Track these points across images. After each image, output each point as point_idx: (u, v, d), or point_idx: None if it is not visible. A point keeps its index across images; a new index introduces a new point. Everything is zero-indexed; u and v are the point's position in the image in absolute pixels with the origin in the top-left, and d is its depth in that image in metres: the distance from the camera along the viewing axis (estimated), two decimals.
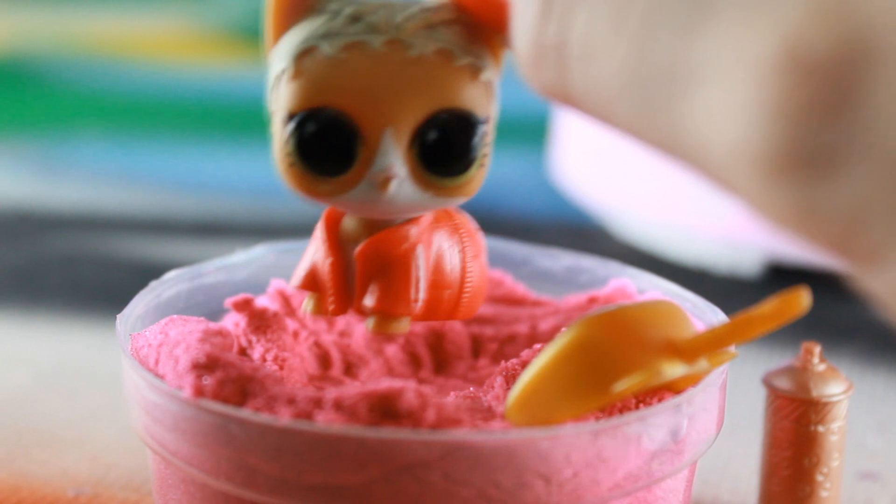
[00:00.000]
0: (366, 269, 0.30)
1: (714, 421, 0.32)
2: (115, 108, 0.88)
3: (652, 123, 0.22)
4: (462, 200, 0.30)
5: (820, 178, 0.19)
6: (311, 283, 0.31)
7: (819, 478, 0.37)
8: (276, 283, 0.37)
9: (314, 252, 0.32)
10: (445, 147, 0.29)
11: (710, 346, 0.30)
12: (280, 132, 0.29)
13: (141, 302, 0.36)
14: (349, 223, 0.31)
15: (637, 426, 0.30)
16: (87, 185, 0.72)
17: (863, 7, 0.19)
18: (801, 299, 0.28)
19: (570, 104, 0.24)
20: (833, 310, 0.54)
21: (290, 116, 0.29)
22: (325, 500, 0.29)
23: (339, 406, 0.29)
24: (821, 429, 0.37)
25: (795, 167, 0.19)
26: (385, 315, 0.30)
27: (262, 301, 0.36)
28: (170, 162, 0.77)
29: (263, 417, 0.29)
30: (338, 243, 0.31)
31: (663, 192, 0.60)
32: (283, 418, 0.29)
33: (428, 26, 0.29)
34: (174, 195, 0.71)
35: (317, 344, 0.36)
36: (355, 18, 0.29)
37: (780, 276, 0.58)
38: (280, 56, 0.29)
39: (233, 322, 0.35)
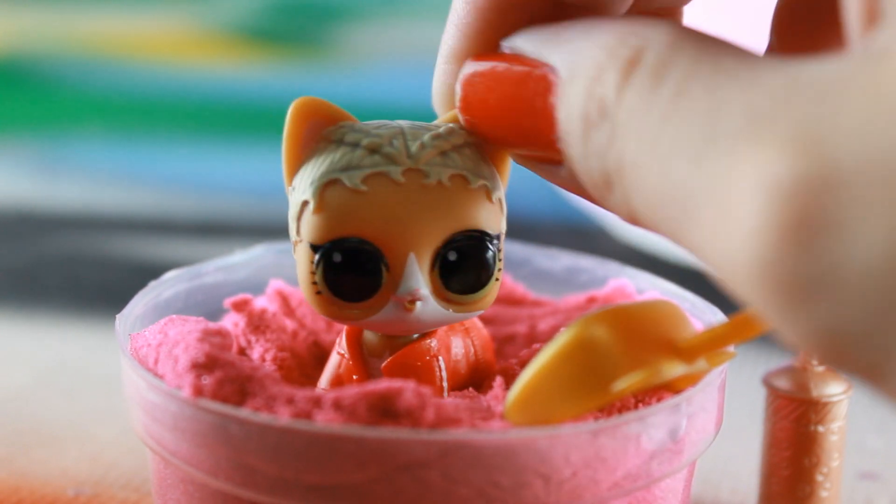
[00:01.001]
0: None
1: (713, 421, 0.32)
2: (115, 108, 0.88)
3: (680, 237, 0.24)
4: (480, 313, 0.32)
5: (806, 300, 0.21)
6: None
7: (819, 478, 0.37)
8: (274, 284, 0.37)
9: (336, 368, 0.33)
10: (465, 266, 0.31)
11: (709, 345, 0.30)
12: (305, 261, 0.31)
13: (140, 302, 0.36)
14: (370, 338, 0.32)
15: (636, 426, 0.30)
16: (87, 185, 0.72)
17: (830, 143, 0.21)
18: None
19: (635, 223, 0.26)
20: None
21: (316, 248, 0.30)
22: (325, 500, 0.29)
23: (338, 406, 0.29)
24: (821, 429, 0.37)
25: (785, 288, 0.21)
26: None
27: (261, 301, 0.36)
28: (170, 162, 0.77)
29: (262, 417, 0.29)
30: (363, 360, 0.32)
31: None
32: (283, 418, 0.29)
33: (441, 153, 0.31)
34: (174, 195, 0.71)
35: (315, 344, 0.36)
36: (373, 150, 0.30)
37: None
38: (302, 188, 0.31)
39: (232, 322, 0.35)
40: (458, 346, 0.33)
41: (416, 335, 0.32)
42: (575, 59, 0.26)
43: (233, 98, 0.90)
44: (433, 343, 0.32)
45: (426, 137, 0.31)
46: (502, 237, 0.31)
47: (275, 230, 0.64)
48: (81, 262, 0.61)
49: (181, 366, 0.31)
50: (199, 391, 0.30)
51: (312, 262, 0.31)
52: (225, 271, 0.39)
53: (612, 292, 0.38)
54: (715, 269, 0.23)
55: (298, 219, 0.31)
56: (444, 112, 0.32)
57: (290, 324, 0.36)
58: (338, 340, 0.33)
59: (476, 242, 0.31)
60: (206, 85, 0.93)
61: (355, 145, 0.31)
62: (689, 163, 0.23)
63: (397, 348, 0.32)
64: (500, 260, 0.31)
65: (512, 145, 0.30)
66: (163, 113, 0.87)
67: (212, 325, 0.34)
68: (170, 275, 0.38)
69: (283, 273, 0.38)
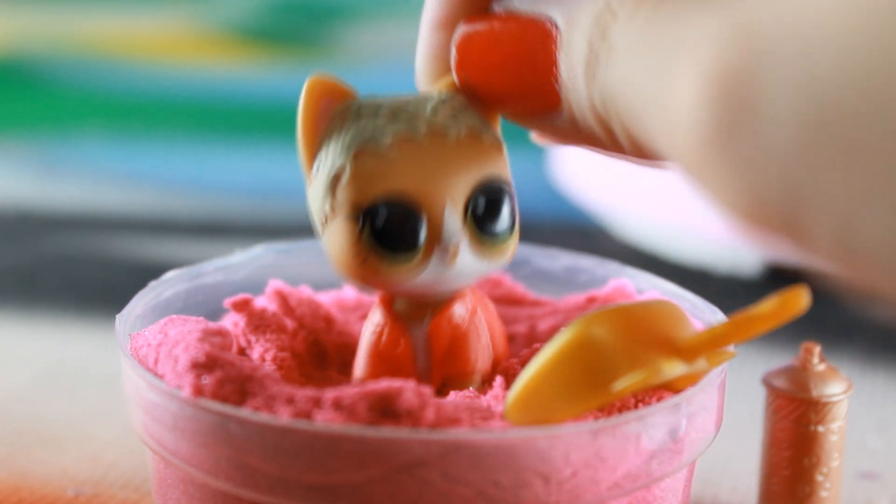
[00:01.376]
0: (440, 344, 0.33)
1: (713, 420, 0.32)
2: (115, 108, 0.88)
3: (646, 137, 0.27)
4: (504, 264, 0.33)
5: (734, 155, 0.24)
6: (380, 370, 0.33)
7: (819, 478, 0.37)
8: (273, 284, 0.37)
9: (375, 340, 0.33)
10: (494, 211, 0.32)
11: (709, 345, 0.30)
12: (345, 232, 0.32)
13: (140, 302, 0.36)
14: (401, 305, 0.33)
15: (636, 425, 0.30)
16: (87, 185, 0.72)
17: (749, 41, 0.24)
18: (801, 299, 0.28)
19: (638, 152, 0.29)
20: (833, 310, 0.54)
21: (358, 212, 0.31)
22: (325, 500, 0.29)
23: (338, 405, 0.29)
24: (821, 429, 0.37)
25: (718, 148, 0.24)
26: (465, 378, 0.33)
27: (261, 301, 0.36)
28: (170, 162, 0.77)
29: (262, 417, 0.29)
30: (404, 324, 0.33)
31: (663, 192, 0.60)
32: (283, 418, 0.29)
33: (453, 115, 0.32)
34: (174, 195, 0.71)
35: (316, 343, 0.36)
36: (394, 116, 0.32)
37: (780, 276, 0.58)
38: (331, 161, 0.32)
39: (232, 322, 0.35)
40: (483, 327, 0.34)
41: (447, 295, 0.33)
42: (573, 9, 0.29)
43: (233, 98, 0.90)
44: (468, 302, 0.33)
45: (434, 101, 0.32)
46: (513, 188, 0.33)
47: (275, 230, 0.64)
48: (81, 262, 0.61)
49: (181, 366, 0.31)
50: (199, 391, 0.30)
51: (356, 228, 0.31)
52: (225, 271, 0.39)
53: (612, 292, 0.38)
54: (667, 150, 0.26)
55: (332, 192, 0.32)
56: (431, 83, 0.33)
57: (290, 323, 0.36)
58: (367, 321, 0.33)
59: (498, 189, 0.32)
60: (206, 85, 0.93)
61: (375, 115, 0.32)
62: (650, 71, 0.26)
63: (435, 310, 0.33)
64: (516, 209, 0.33)
65: (509, 101, 0.32)
66: (163, 113, 0.87)
67: (212, 325, 0.34)
68: (170, 275, 0.38)
69: (283, 273, 0.38)
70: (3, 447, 0.43)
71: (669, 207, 0.60)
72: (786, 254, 0.25)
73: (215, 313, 0.37)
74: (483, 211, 0.32)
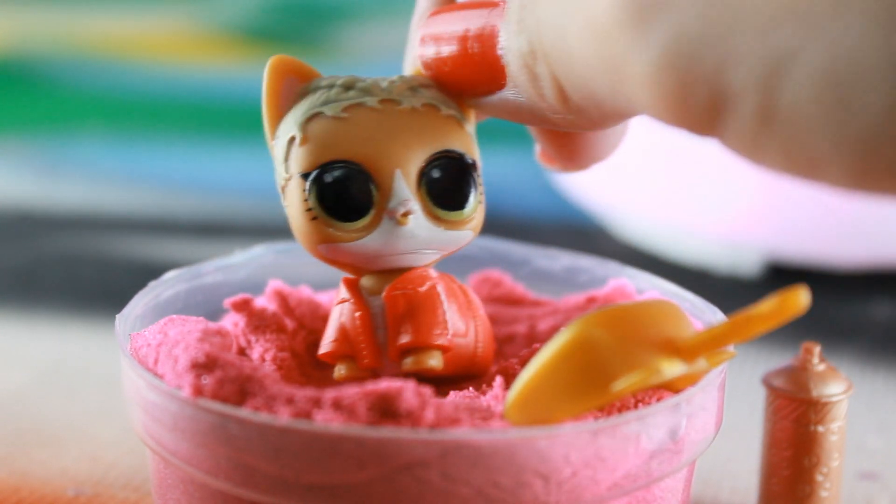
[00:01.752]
0: (395, 311, 0.32)
1: (713, 420, 0.32)
2: (115, 108, 0.88)
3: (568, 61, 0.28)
4: (469, 235, 0.33)
5: (650, 21, 0.24)
6: (343, 344, 0.33)
7: (819, 478, 0.37)
8: (273, 284, 0.37)
9: (339, 316, 0.33)
10: (447, 182, 0.33)
11: (708, 345, 0.30)
12: (297, 194, 0.32)
13: (140, 302, 0.36)
14: (367, 282, 0.33)
15: (636, 425, 0.30)
16: (87, 185, 0.72)
17: None
18: (800, 298, 0.28)
19: (565, 103, 0.29)
20: (833, 310, 0.54)
21: (307, 174, 0.32)
22: (324, 500, 0.29)
23: (337, 405, 0.29)
24: (820, 429, 0.37)
25: (631, 18, 0.25)
26: (421, 350, 0.32)
27: (261, 301, 0.36)
28: (170, 162, 0.77)
29: (262, 417, 0.29)
30: (363, 298, 0.33)
31: (663, 192, 0.60)
32: (282, 418, 0.29)
33: (410, 88, 0.33)
34: (174, 195, 0.71)
35: (315, 343, 0.36)
36: (348, 87, 0.33)
37: (780, 276, 0.58)
38: (285, 130, 0.33)
39: (232, 322, 0.35)
40: (459, 322, 0.33)
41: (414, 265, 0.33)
42: None
43: (233, 98, 0.90)
44: (431, 271, 0.33)
45: (394, 77, 0.33)
46: (479, 167, 0.33)
47: (275, 230, 0.64)
48: (81, 262, 0.61)
49: (181, 366, 0.31)
50: (198, 391, 0.30)
51: (305, 191, 0.32)
52: (224, 271, 0.39)
53: (612, 292, 0.38)
54: (587, 43, 0.26)
55: (286, 158, 0.32)
56: None
57: (289, 323, 0.36)
58: (335, 296, 0.34)
59: (455, 161, 0.33)
60: (206, 85, 0.93)
61: (331, 86, 0.33)
62: None
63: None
64: (480, 184, 0.33)
65: (464, 83, 0.32)
66: (163, 113, 0.87)
67: (212, 325, 0.34)
68: (170, 275, 0.38)
69: (282, 273, 0.38)
70: (3, 447, 0.43)
71: (669, 207, 0.60)
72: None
73: (215, 313, 0.37)
74: (436, 181, 0.32)
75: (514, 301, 0.39)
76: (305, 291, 0.37)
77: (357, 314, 0.33)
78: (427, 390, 0.29)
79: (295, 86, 0.33)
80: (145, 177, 0.74)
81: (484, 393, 0.32)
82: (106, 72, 0.96)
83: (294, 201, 0.32)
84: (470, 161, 0.33)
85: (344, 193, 0.32)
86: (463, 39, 0.32)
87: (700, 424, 0.32)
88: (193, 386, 0.30)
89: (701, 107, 0.24)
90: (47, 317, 0.54)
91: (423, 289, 0.32)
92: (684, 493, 0.33)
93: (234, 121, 0.85)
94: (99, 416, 0.45)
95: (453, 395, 0.32)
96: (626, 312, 0.29)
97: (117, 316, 0.35)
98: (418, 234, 0.32)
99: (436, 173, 0.32)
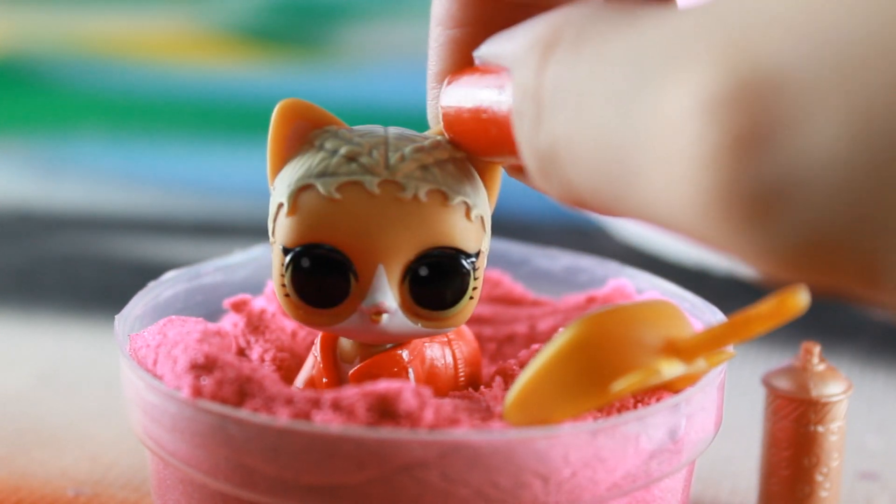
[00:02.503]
0: None
1: (712, 420, 0.32)
2: (115, 108, 0.88)
3: (625, 199, 0.23)
4: (451, 329, 0.32)
5: (767, 213, 0.20)
6: None
7: (819, 478, 0.37)
8: (272, 285, 0.37)
9: (310, 368, 0.33)
10: (435, 283, 0.30)
11: (708, 345, 0.30)
12: (277, 264, 0.31)
13: (139, 302, 0.36)
14: (345, 344, 0.32)
15: (635, 426, 0.30)
16: (87, 185, 0.72)
17: (761, 46, 0.20)
18: (800, 298, 0.28)
19: (581, 205, 0.26)
20: (833, 310, 0.54)
21: (287, 251, 0.30)
22: (324, 500, 0.29)
23: (337, 406, 0.29)
24: (820, 429, 0.37)
25: (742, 207, 0.20)
26: None
27: (260, 301, 0.36)
28: (170, 162, 0.77)
29: (261, 418, 0.29)
30: (334, 364, 0.32)
31: None
32: (282, 418, 0.29)
33: (422, 167, 0.30)
34: (174, 195, 0.71)
35: (314, 344, 0.36)
36: (350, 158, 0.30)
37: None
38: (279, 191, 0.31)
39: (231, 322, 0.35)
40: (438, 357, 0.33)
41: (389, 345, 0.32)
42: (513, 54, 0.27)
43: (233, 98, 0.90)
44: (404, 354, 0.32)
45: (408, 149, 0.30)
46: (482, 255, 0.31)
47: None
48: (81, 262, 0.61)
49: (180, 366, 0.31)
50: (198, 392, 0.30)
51: (283, 265, 0.31)
52: (224, 271, 0.39)
53: (612, 292, 0.38)
54: (666, 218, 0.22)
55: (274, 220, 0.31)
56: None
57: (289, 324, 0.36)
58: (315, 342, 0.33)
59: (448, 260, 0.30)
60: (206, 85, 0.93)
61: (334, 152, 0.30)
62: (619, 115, 0.22)
63: (368, 356, 0.32)
64: (476, 279, 0.31)
65: (493, 155, 0.30)
66: (163, 113, 0.87)
67: (211, 325, 0.34)
68: (169, 275, 0.38)
69: None
70: (3, 447, 0.43)
71: None
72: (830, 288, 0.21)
73: (215, 314, 0.37)
74: (422, 279, 0.30)
75: (513, 301, 0.39)
76: None
77: (324, 380, 0.32)
78: (426, 391, 0.29)
79: (304, 130, 0.31)
80: (145, 177, 0.74)
81: (483, 393, 0.32)
82: (106, 72, 0.96)
83: (274, 268, 0.31)
84: (468, 258, 0.31)
85: (320, 283, 0.30)
86: (478, 120, 0.29)
87: (699, 424, 0.32)
88: (192, 387, 0.30)
89: (852, 277, 0.20)
90: (47, 317, 0.54)
91: (388, 375, 0.31)
92: (684, 494, 0.33)
93: (234, 121, 0.85)
94: (99, 416, 0.45)
95: (452, 396, 0.32)
96: (626, 313, 0.29)
97: (116, 316, 0.35)
98: (392, 331, 0.31)
99: (423, 271, 0.30)
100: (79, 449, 0.43)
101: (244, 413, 0.29)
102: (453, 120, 0.30)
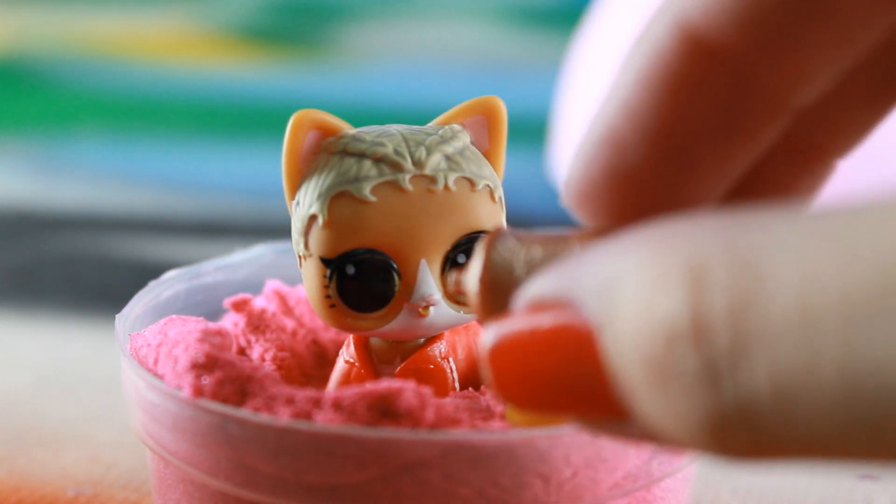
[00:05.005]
0: None
1: None
2: (115, 108, 0.88)
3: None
4: None
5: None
6: None
7: None
8: (271, 284, 0.37)
9: (344, 375, 0.32)
10: None
11: None
12: (317, 276, 0.31)
13: (140, 302, 0.36)
14: (378, 344, 0.32)
15: None
16: (87, 185, 0.72)
17: (748, 234, 0.19)
18: None
19: (776, 457, 0.20)
20: None
21: (329, 262, 0.31)
22: (324, 500, 0.29)
23: (337, 406, 0.29)
24: None
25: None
26: None
27: (261, 301, 0.36)
28: (170, 162, 0.77)
29: (262, 417, 0.29)
30: (374, 366, 0.32)
31: None
32: (282, 418, 0.29)
33: (446, 157, 0.31)
34: (174, 195, 0.71)
35: (315, 342, 0.36)
36: (378, 159, 0.31)
37: None
38: (308, 202, 0.31)
39: (232, 322, 0.35)
40: (462, 346, 0.33)
41: (422, 339, 0.32)
42: (608, 295, 0.20)
43: (233, 98, 0.90)
44: (442, 346, 0.32)
45: (429, 142, 0.31)
46: None
47: (275, 230, 0.64)
48: (81, 262, 0.61)
49: (181, 366, 0.31)
50: (198, 391, 0.30)
51: (325, 276, 0.31)
52: (225, 271, 0.39)
53: None
54: None
55: (306, 233, 0.31)
56: (581, 209, 0.25)
57: (289, 323, 0.36)
58: (343, 348, 0.33)
59: None
60: (206, 85, 0.93)
61: (361, 156, 0.31)
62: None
63: (407, 353, 0.32)
64: None
65: (567, 415, 0.22)
66: (163, 113, 0.87)
67: (212, 325, 0.34)
68: (170, 275, 0.37)
69: (282, 273, 0.38)
70: (3, 447, 0.43)
71: None
72: None
73: (215, 313, 0.37)
74: (462, 266, 0.30)
75: None
76: (304, 290, 0.37)
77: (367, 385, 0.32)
78: (427, 390, 0.29)
79: (318, 140, 0.31)
80: (145, 177, 0.74)
81: (484, 393, 0.32)
82: (106, 72, 0.96)
83: (312, 281, 0.31)
84: None
85: (366, 286, 0.31)
86: (555, 371, 0.21)
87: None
88: (193, 386, 0.30)
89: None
90: (47, 317, 0.54)
91: (434, 366, 0.32)
92: (684, 494, 0.33)
93: (234, 121, 0.85)
94: (99, 416, 0.45)
95: (453, 396, 0.32)
96: None
97: (117, 316, 0.35)
98: (438, 322, 0.31)
99: (461, 259, 0.31)
100: (79, 449, 0.43)
101: (245, 413, 0.29)
102: (513, 382, 0.22)
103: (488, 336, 0.22)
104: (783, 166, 0.24)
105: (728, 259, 0.19)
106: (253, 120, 0.85)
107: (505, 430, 0.29)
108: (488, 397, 0.31)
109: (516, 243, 0.23)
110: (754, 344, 0.18)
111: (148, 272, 0.39)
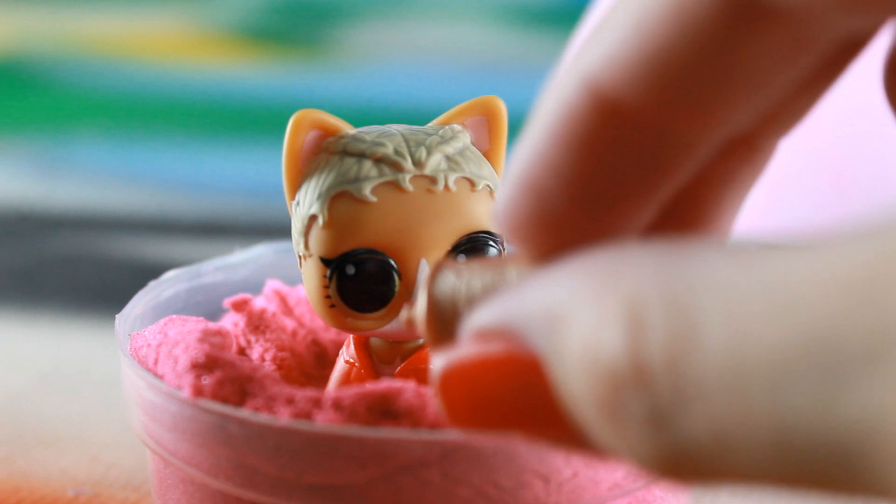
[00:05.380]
0: None
1: None
2: (115, 108, 0.88)
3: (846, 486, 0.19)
4: None
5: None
6: None
7: None
8: (271, 284, 0.37)
9: (344, 375, 0.32)
10: None
11: None
12: (317, 276, 0.31)
13: (140, 302, 0.36)
14: (378, 344, 0.32)
15: None
16: (87, 185, 0.72)
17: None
18: None
19: (723, 484, 0.21)
20: None
21: (329, 262, 0.31)
22: (325, 500, 0.29)
23: (338, 406, 0.29)
24: None
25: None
26: None
27: (261, 301, 0.36)
28: (170, 162, 0.77)
29: (262, 417, 0.29)
30: (374, 367, 0.32)
31: None
32: (283, 418, 0.29)
33: (446, 157, 0.31)
34: (174, 195, 0.71)
35: (315, 342, 0.36)
36: (379, 160, 0.31)
37: None
38: (308, 203, 0.31)
39: (232, 322, 0.35)
40: None
41: (422, 340, 0.32)
42: (551, 326, 0.21)
43: (233, 98, 0.90)
44: None
45: (429, 142, 0.31)
46: None
47: (275, 230, 0.64)
48: (81, 262, 0.61)
49: (181, 366, 0.31)
50: (198, 391, 0.30)
51: (325, 277, 0.31)
52: (225, 271, 0.39)
53: None
54: None
55: (307, 234, 0.31)
56: (512, 240, 0.24)
57: (289, 323, 0.36)
58: (343, 349, 0.33)
59: (482, 244, 0.31)
60: (206, 85, 0.93)
61: (361, 156, 0.31)
62: (817, 400, 0.18)
63: (407, 354, 0.32)
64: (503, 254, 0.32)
65: (521, 439, 0.23)
66: (163, 113, 0.87)
67: (212, 325, 0.34)
68: (169, 275, 0.37)
69: (282, 273, 0.38)
70: (3, 447, 0.43)
71: None
72: None
73: (215, 313, 0.37)
74: None
75: None
76: (304, 291, 0.37)
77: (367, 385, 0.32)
78: (427, 390, 0.29)
79: (318, 140, 0.31)
80: (145, 177, 0.74)
81: None
82: (106, 72, 0.96)
83: (312, 281, 0.31)
84: (496, 235, 0.31)
85: (366, 287, 0.31)
86: (505, 400, 0.22)
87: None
88: (193, 386, 0.30)
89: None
90: (47, 317, 0.54)
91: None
92: (685, 494, 0.33)
93: (234, 121, 0.85)
94: (99, 416, 0.45)
95: None
96: None
97: (117, 316, 0.35)
98: None
99: (461, 259, 0.31)
100: (79, 449, 0.43)
101: (245, 412, 0.29)
102: (463, 410, 0.23)
103: (437, 363, 0.23)
104: (721, 161, 0.24)
105: (664, 301, 0.19)
106: (253, 120, 0.85)
107: None
108: None
109: (455, 278, 0.24)
110: (691, 395, 0.19)
111: (148, 272, 0.39)
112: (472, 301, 0.23)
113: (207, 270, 0.38)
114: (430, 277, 0.24)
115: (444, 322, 0.24)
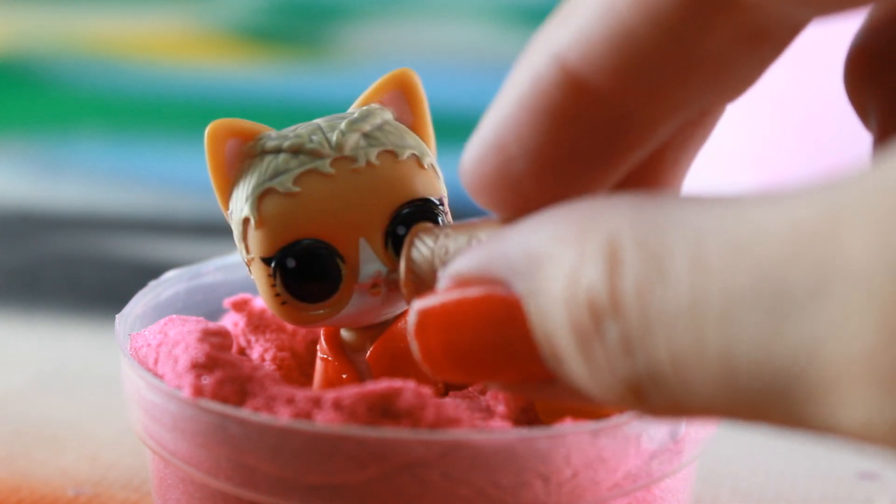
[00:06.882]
0: (381, 370, 0.32)
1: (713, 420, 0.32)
2: (115, 108, 0.88)
3: (782, 415, 0.21)
4: None
5: None
6: None
7: None
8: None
9: (323, 372, 0.33)
10: None
11: None
12: (263, 276, 0.31)
13: (140, 302, 0.36)
14: (347, 336, 0.32)
15: (636, 426, 0.30)
16: (87, 185, 0.72)
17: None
18: None
19: (686, 415, 0.23)
20: None
21: (269, 260, 0.31)
22: (325, 500, 0.29)
23: (337, 406, 0.29)
24: None
25: None
26: None
27: (261, 301, 0.36)
28: (170, 162, 0.77)
29: (262, 417, 0.29)
30: (347, 357, 0.32)
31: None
32: (282, 418, 0.29)
33: (363, 135, 0.31)
34: (174, 195, 0.71)
35: (314, 342, 0.36)
36: (295, 151, 0.31)
37: None
38: (238, 207, 0.31)
39: (232, 322, 0.35)
40: None
41: (384, 318, 0.32)
42: (532, 267, 0.23)
43: (233, 98, 0.90)
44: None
45: (343, 125, 0.31)
46: (445, 201, 0.32)
47: None
48: (81, 262, 0.61)
49: (181, 366, 0.31)
50: (198, 391, 0.30)
51: (270, 276, 0.31)
52: (224, 271, 0.39)
53: None
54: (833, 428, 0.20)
55: (244, 238, 0.31)
56: (477, 199, 0.26)
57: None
58: (318, 346, 0.33)
59: (420, 211, 0.31)
60: (206, 85, 0.93)
61: (277, 151, 0.31)
62: (764, 333, 0.20)
63: (375, 337, 0.32)
64: (448, 222, 0.31)
65: (493, 381, 0.25)
66: (163, 113, 0.87)
67: (212, 325, 0.34)
68: (169, 275, 0.38)
69: None
70: (3, 447, 0.43)
71: None
72: None
73: (215, 313, 0.37)
74: (404, 238, 0.29)
75: None
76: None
77: (343, 376, 0.32)
78: (427, 390, 0.29)
79: (239, 147, 0.32)
80: (145, 177, 0.74)
81: (484, 392, 0.32)
82: (106, 72, 0.96)
83: (261, 283, 0.31)
84: (436, 202, 0.31)
85: (310, 276, 0.31)
86: (480, 339, 0.24)
87: (700, 424, 0.32)
88: (193, 386, 0.30)
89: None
90: (47, 317, 0.54)
91: (405, 344, 0.31)
92: (684, 494, 0.33)
93: None
94: (99, 416, 0.45)
95: (453, 396, 0.32)
96: None
97: (117, 316, 0.35)
98: (396, 300, 0.31)
99: (401, 230, 0.31)
100: (79, 449, 0.43)
101: (245, 412, 0.29)
102: (439, 352, 0.25)
103: (414, 307, 0.25)
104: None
105: (637, 240, 0.21)
106: (253, 120, 0.85)
107: (505, 429, 0.29)
108: (488, 397, 0.31)
109: (432, 241, 0.26)
110: (655, 325, 0.21)
111: (148, 272, 0.39)
112: (448, 262, 0.25)
113: (207, 270, 0.38)
114: (407, 243, 0.25)
115: (423, 283, 0.26)
